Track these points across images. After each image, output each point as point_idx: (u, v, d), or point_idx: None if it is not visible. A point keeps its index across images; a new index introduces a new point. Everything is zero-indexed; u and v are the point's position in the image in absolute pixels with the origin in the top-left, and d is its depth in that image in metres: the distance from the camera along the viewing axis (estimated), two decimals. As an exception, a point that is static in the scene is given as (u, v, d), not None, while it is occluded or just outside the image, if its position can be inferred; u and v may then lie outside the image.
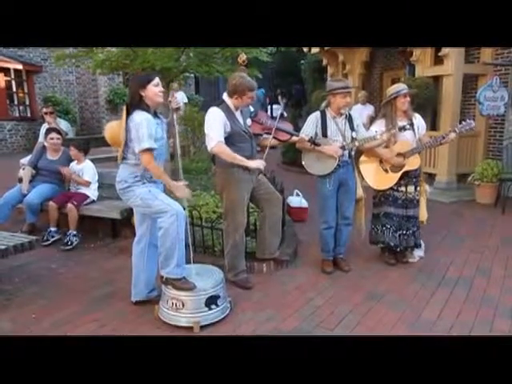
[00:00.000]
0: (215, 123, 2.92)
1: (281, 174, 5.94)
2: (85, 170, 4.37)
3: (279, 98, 12.78)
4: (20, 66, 11.34)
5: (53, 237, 4.19)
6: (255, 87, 3.01)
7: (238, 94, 2.95)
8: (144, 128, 2.47)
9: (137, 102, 2.55)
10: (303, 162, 3.41)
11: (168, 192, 2.79)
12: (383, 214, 3.54)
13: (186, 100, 9.55)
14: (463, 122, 3.35)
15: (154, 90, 2.56)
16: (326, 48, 8.14)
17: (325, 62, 9.09)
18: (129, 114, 2.54)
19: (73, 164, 4.47)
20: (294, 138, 3.27)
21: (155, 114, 2.65)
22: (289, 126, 3.32)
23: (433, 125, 6.99)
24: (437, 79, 6.58)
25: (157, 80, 2.58)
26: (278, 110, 11.92)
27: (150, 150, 2.49)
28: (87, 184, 4.34)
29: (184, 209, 2.66)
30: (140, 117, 2.50)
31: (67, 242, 4.09)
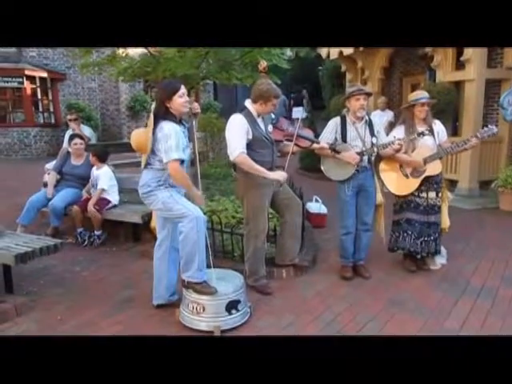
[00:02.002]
0: (238, 132, 2.95)
1: (299, 180, 5.94)
2: (100, 176, 4.45)
3: (303, 100, 12.79)
4: (45, 74, 11.70)
5: (85, 235, 4.33)
6: (280, 95, 3.04)
7: (263, 100, 2.98)
8: (173, 139, 2.52)
9: (163, 113, 2.60)
10: (322, 168, 3.43)
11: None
12: (405, 220, 3.50)
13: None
14: (485, 128, 3.30)
15: (179, 101, 2.59)
16: (344, 54, 8.12)
17: (343, 68, 9.07)
18: (156, 123, 2.59)
19: (93, 169, 4.58)
20: (315, 146, 3.28)
21: (180, 121, 2.69)
22: (309, 133, 3.33)
23: (454, 131, 6.88)
24: (458, 84, 6.49)
25: (182, 90, 2.61)
26: (298, 112, 11.90)
27: (177, 160, 2.54)
28: (100, 192, 4.39)
29: (204, 213, 2.69)
30: (169, 127, 2.54)
31: (92, 241, 4.27)
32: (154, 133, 2.59)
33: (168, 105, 2.59)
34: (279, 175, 2.98)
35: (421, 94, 3.43)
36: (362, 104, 3.22)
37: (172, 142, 2.51)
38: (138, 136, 2.73)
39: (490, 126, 3.30)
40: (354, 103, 3.23)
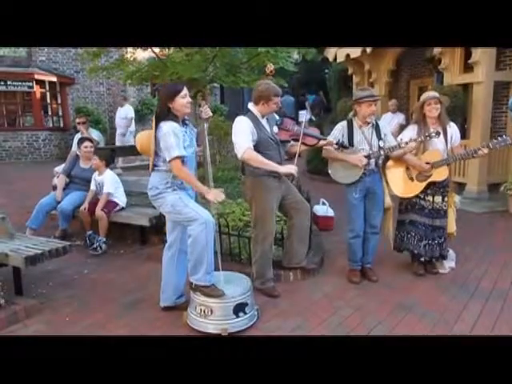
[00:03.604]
0: (242, 131, 2.96)
1: (306, 183, 5.93)
2: (105, 181, 4.43)
3: (306, 104, 12.88)
4: (54, 79, 11.80)
5: (94, 238, 4.28)
6: (280, 93, 3.05)
7: (264, 99, 2.99)
8: (172, 137, 2.54)
9: (165, 114, 2.62)
10: (329, 171, 3.42)
11: (200, 198, 2.84)
12: (409, 221, 3.51)
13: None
14: (499, 138, 3.21)
15: (181, 102, 2.61)
16: (351, 56, 8.11)
17: (350, 70, 9.06)
18: (157, 124, 2.61)
19: (95, 175, 4.53)
20: (322, 142, 3.25)
21: (183, 122, 2.71)
22: (315, 131, 3.32)
23: (462, 134, 6.82)
24: (466, 87, 6.44)
25: (184, 91, 2.63)
26: (303, 115, 12.03)
27: (179, 157, 2.56)
28: (107, 196, 4.38)
29: (212, 216, 2.70)
30: (167, 126, 2.57)
31: (96, 247, 4.23)
32: (155, 135, 2.62)
33: (170, 105, 2.61)
34: (290, 168, 2.95)
35: (430, 93, 3.42)
36: (373, 110, 3.22)
37: (172, 139, 2.53)
38: (142, 139, 2.77)
39: (504, 136, 3.21)
40: (365, 109, 3.22)
